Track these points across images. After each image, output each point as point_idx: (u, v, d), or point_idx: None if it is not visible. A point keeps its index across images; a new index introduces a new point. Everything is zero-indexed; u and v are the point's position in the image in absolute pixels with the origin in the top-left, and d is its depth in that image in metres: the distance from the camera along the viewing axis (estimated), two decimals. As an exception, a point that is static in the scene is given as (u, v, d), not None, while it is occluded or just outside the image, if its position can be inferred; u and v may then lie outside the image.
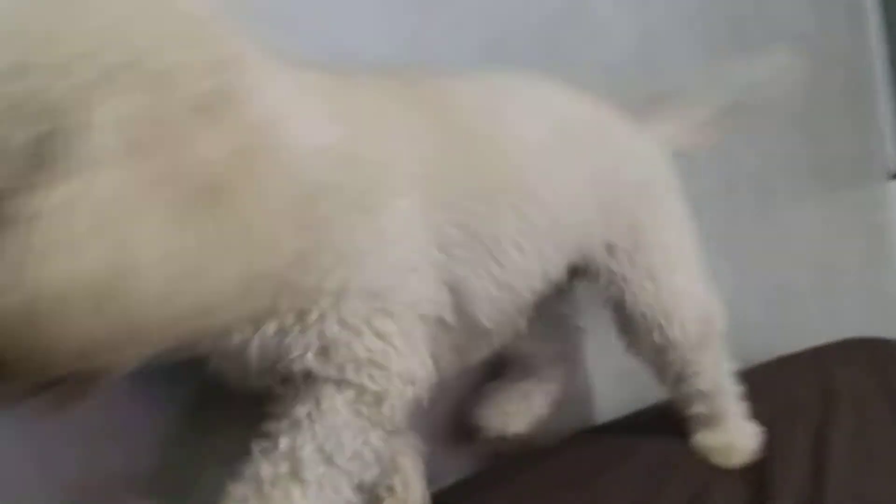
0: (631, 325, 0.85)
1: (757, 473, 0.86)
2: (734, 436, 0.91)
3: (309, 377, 0.59)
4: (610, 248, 0.83)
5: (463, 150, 0.68)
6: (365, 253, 0.59)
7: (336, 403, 0.59)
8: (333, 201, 0.57)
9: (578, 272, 0.84)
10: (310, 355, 0.58)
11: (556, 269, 0.78)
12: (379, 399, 0.60)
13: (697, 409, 0.91)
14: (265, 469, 0.58)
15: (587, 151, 0.80)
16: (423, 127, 0.66)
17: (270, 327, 0.57)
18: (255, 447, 0.59)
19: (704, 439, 0.92)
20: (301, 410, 0.59)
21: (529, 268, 0.74)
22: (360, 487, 0.61)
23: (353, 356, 0.59)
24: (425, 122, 0.66)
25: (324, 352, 0.59)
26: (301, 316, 0.57)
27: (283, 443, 0.58)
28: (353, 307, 0.59)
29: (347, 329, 0.59)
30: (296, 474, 0.58)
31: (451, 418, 0.98)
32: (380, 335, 0.60)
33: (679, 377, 0.88)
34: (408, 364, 0.62)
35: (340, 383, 0.59)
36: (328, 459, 0.59)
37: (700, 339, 0.86)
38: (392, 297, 0.61)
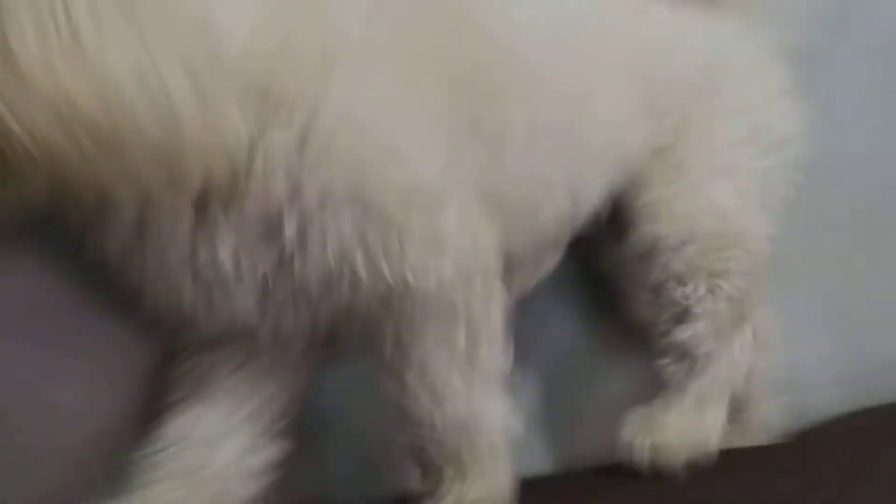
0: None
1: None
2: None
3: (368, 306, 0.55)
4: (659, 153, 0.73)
5: (434, 24, 0.58)
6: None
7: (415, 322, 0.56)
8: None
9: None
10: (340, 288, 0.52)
11: (591, 192, 0.69)
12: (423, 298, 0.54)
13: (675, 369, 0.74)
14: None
15: (619, 39, 0.71)
16: None
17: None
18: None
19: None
20: (385, 343, 0.56)
21: (549, 178, 0.64)
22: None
23: (375, 286, 0.53)
24: None
25: (350, 283, 0.52)
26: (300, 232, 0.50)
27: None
28: (339, 220, 0.51)
29: (345, 246, 0.51)
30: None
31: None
32: (384, 245, 0.52)
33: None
34: (446, 260, 0.54)
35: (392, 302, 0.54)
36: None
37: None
38: (379, 197, 0.52)
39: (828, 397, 0.95)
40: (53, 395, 0.60)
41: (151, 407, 0.61)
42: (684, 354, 0.74)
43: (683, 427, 0.71)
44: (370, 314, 0.55)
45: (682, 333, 0.73)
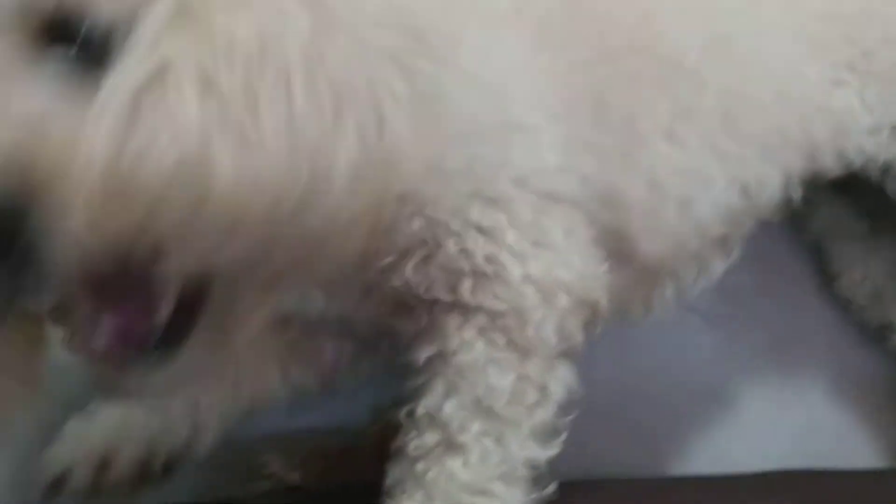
0: None
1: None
2: None
3: (425, 302, 0.47)
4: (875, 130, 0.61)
5: None
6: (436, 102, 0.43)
7: (465, 335, 0.46)
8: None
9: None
10: (408, 269, 0.46)
11: (766, 181, 0.58)
12: (520, 318, 0.46)
13: None
14: (413, 443, 0.47)
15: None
16: None
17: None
18: (402, 414, 0.48)
19: None
20: (425, 352, 0.47)
21: (700, 171, 0.55)
22: (535, 434, 0.47)
23: (457, 266, 0.45)
24: None
25: (422, 264, 0.45)
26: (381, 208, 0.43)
27: (421, 404, 0.47)
28: (438, 192, 0.44)
29: (438, 228, 0.45)
30: (448, 442, 0.46)
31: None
32: (483, 231, 0.45)
33: None
34: (537, 267, 0.46)
35: (458, 307, 0.46)
36: (480, 411, 0.46)
37: None
38: (489, 173, 0.46)
39: None
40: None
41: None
42: None
43: None
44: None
45: None
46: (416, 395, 0.48)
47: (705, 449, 0.76)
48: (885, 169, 0.63)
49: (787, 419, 0.77)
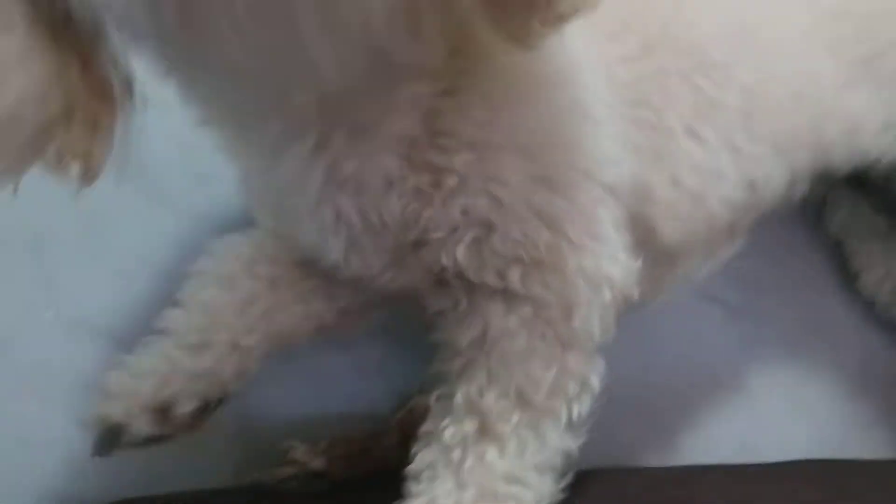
0: None
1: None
2: None
3: (468, 285, 0.46)
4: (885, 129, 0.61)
5: None
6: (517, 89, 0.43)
7: (510, 324, 0.45)
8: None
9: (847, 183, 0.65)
10: (460, 249, 0.44)
11: (773, 178, 0.58)
12: (566, 310, 0.46)
13: None
14: (448, 430, 0.46)
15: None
16: None
17: (408, 181, 0.43)
18: (432, 398, 0.48)
19: None
20: (466, 335, 0.46)
21: (716, 167, 0.55)
22: (572, 426, 0.47)
23: (513, 252, 0.44)
24: None
25: (475, 245, 0.44)
26: (437, 177, 0.43)
27: (460, 390, 0.46)
28: (503, 172, 0.44)
29: (500, 209, 0.44)
30: (486, 430, 0.45)
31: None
32: (544, 218, 0.44)
33: None
34: (590, 259, 0.46)
35: (506, 295, 0.45)
36: (520, 401, 0.45)
37: None
38: (555, 160, 0.45)
39: None
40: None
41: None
42: None
43: None
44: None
45: None
46: (442, 379, 0.48)
47: (728, 438, 0.76)
48: (894, 168, 0.64)
49: (809, 409, 0.78)
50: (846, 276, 0.78)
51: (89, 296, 0.71)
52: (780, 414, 0.77)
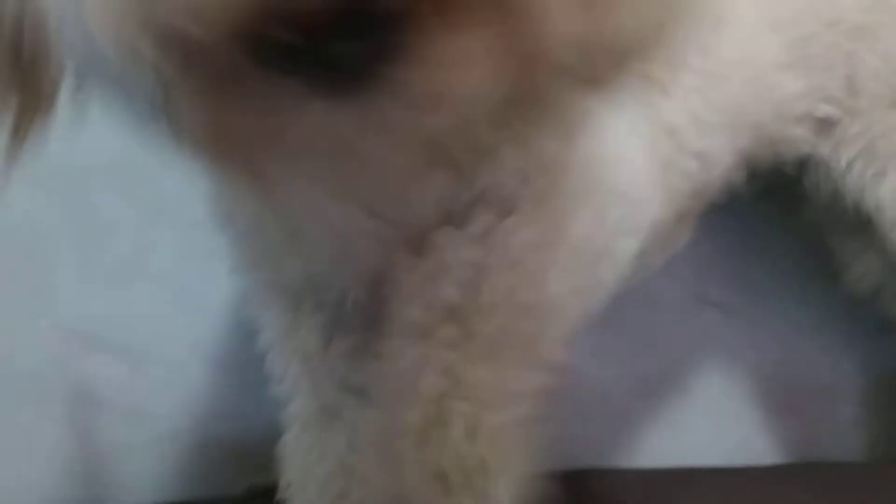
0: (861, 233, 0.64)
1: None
2: None
3: None
4: (821, 124, 0.61)
5: None
6: None
7: None
8: None
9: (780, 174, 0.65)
10: None
11: (722, 157, 0.59)
12: None
13: None
14: None
15: None
16: None
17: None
18: None
19: None
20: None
21: (682, 137, 0.55)
22: None
23: None
24: None
25: None
26: None
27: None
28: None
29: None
30: None
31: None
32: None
33: None
34: None
35: None
36: None
37: None
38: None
39: None
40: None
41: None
42: None
43: None
44: None
45: None
46: None
47: (724, 440, 0.76)
48: (803, 162, 0.64)
49: (805, 411, 0.78)
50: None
51: (85, 305, 0.71)
52: (777, 415, 0.78)
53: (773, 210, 0.73)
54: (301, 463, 0.57)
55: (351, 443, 0.53)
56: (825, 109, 0.60)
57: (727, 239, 0.75)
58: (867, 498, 0.65)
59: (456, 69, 0.24)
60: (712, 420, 0.77)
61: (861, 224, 0.64)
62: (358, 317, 0.50)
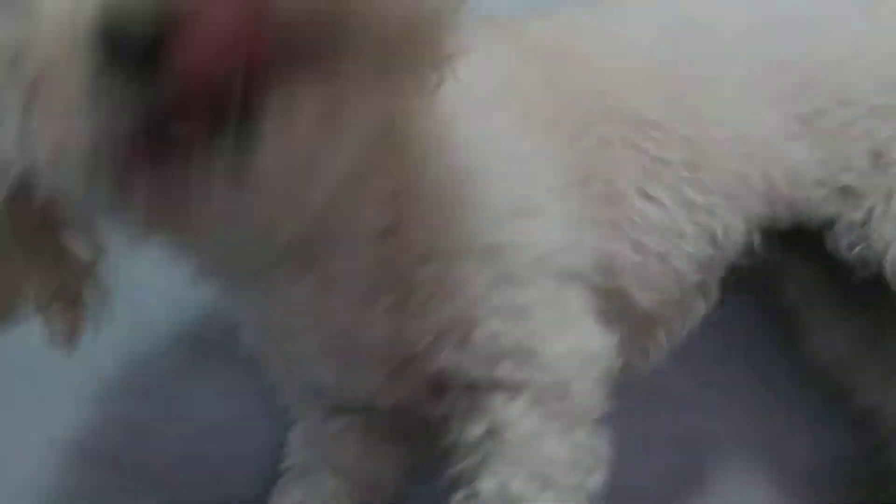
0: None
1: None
2: None
3: (464, 385, 0.48)
4: (845, 191, 0.61)
5: (546, 68, 0.55)
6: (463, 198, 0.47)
7: (513, 412, 0.47)
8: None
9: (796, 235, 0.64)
10: (446, 353, 0.47)
11: (731, 228, 0.60)
12: (562, 390, 0.48)
13: None
14: None
15: (760, 49, 0.60)
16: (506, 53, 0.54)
17: (381, 302, 0.46)
18: (457, 499, 0.48)
19: None
20: (474, 432, 0.48)
21: (674, 225, 0.57)
22: (591, 499, 0.49)
23: (496, 346, 0.47)
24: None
25: (459, 346, 0.47)
26: (407, 292, 0.47)
27: (484, 485, 0.47)
28: (467, 276, 0.47)
29: (472, 309, 0.47)
30: None
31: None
32: (514, 312, 0.48)
33: None
34: (570, 340, 0.49)
35: (502, 387, 0.48)
36: (545, 483, 0.47)
37: None
38: (510, 258, 0.48)
39: None
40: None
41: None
42: None
43: None
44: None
45: None
46: (463, 478, 0.49)
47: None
48: (826, 224, 0.64)
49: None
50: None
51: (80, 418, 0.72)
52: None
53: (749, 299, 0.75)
54: None
55: None
56: (847, 178, 0.61)
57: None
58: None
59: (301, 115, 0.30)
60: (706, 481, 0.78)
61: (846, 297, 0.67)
62: None
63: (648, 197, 0.56)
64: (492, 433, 0.48)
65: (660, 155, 0.57)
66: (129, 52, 0.28)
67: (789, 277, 0.76)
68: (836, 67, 0.61)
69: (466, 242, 0.47)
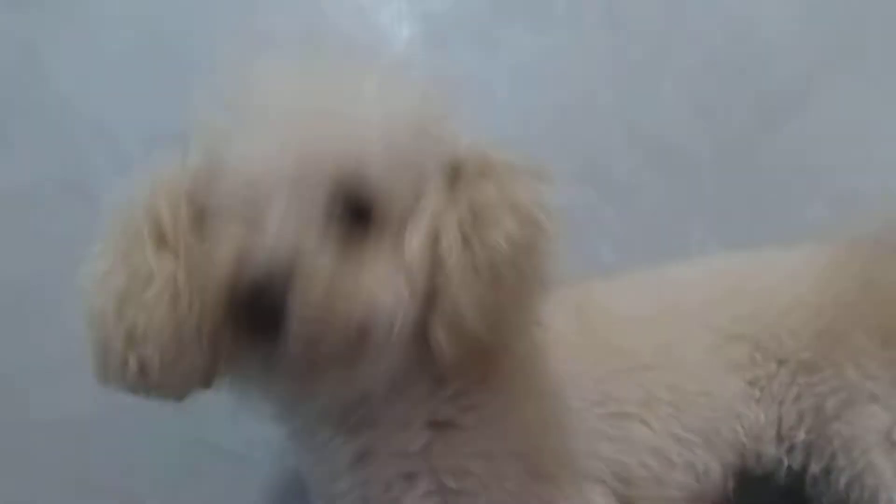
0: None
1: None
2: None
3: None
4: (804, 445, 0.69)
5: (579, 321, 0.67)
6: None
7: None
8: None
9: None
10: None
11: (710, 469, 0.68)
12: None
13: None
14: None
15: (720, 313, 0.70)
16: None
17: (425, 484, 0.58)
18: None
19: None
20: None
21: (666, 453, 0.66)
22: None
23: None
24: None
25: None
26: (458, 477, 0.58)
27: None
28: (507, 471, 0.58)
29: (509, 498, 0.58)
30: None
31: None
32: (543, 500, 0.59)
33: None
34: None
35: None
36: None
37: None
38: (544, 459, 0.60)
39: None
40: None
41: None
42: None
43: None
44: None
45: None
46: None
47: None
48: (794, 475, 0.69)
49: None
50: None
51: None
52: None
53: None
54: None
55: None
56: (800, 434, 0.68)
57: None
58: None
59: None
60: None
61: None
62: None
63: (647, 423, 0.66)
64: None
65: (652, 392, 0.67)
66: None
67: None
68: (773, 330, 0.70)
69: (510, 443, 0.58)
